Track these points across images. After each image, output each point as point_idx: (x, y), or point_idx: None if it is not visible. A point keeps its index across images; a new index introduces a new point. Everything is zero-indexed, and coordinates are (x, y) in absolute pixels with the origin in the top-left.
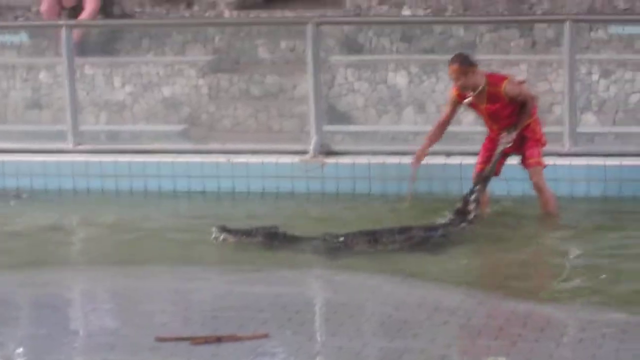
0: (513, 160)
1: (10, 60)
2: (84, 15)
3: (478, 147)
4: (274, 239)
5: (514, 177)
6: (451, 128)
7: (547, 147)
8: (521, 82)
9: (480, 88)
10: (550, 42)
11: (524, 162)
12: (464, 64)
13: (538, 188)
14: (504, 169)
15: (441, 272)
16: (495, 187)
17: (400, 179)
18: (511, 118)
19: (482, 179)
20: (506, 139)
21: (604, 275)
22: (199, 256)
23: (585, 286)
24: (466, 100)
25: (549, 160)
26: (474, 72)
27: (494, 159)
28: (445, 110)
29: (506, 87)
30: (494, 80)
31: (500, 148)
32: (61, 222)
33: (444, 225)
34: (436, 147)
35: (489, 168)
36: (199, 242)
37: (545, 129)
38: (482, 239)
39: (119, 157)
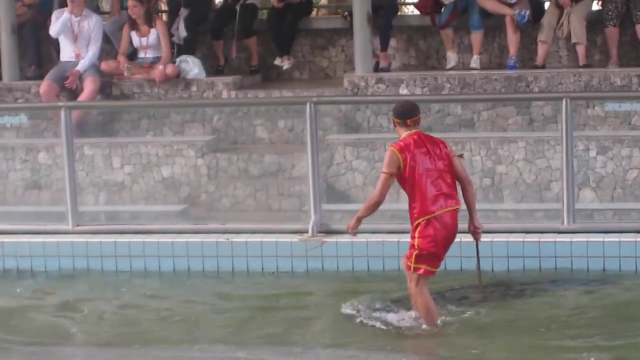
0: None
1: (10, 142)
2: (83, 96)
3: None
4: None
5: None
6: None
7: (547, 224)
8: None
9: None
10: (547, 119)
11: None
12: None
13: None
14: None
15: None
16: None
17: (400, 256)
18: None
19: None
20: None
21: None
22: (203, 336)
23: None
24: None
25: (549, 237)
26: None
27: None
28: None
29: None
30: None
31: None
32: (61, 302)
33: None
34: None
35: None
36: (201, 321)
37: (544, 206)
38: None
39: (118, 237)
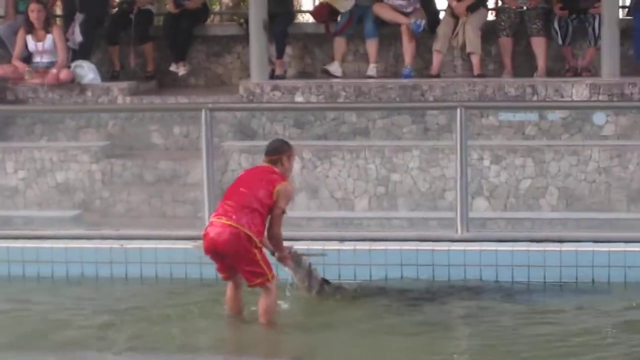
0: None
1: None
2: None
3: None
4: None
5: None
6: (345, 213)
7: (441, 233)
8: None
9: None
10: (442, 128)
11: None
12: None
13: None
14: None
15: None
16: None
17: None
18: None
19: None
20: None
21: None
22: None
23: None
24: None
25: (442, 246)
26: None
27: None
28: None
29: None
30: None
31: None
32: None
33: None
34: (330, 232)
35: None
36: (90, 326)
37: (438, 215)
38: None
39: (11, 242)
